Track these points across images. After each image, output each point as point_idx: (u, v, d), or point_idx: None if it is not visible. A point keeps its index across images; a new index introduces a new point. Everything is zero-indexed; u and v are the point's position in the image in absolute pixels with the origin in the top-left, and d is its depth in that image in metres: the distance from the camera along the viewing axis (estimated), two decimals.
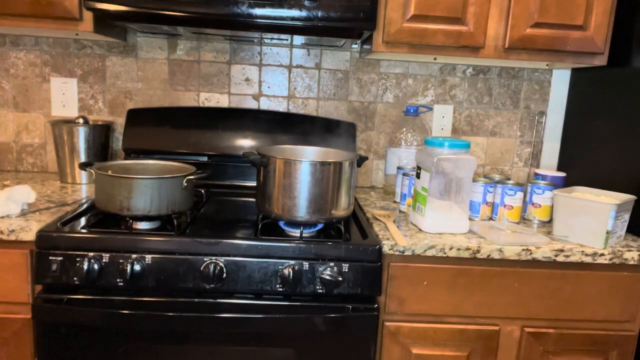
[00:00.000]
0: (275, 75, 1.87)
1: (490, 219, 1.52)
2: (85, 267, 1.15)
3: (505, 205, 1.49)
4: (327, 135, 1.77)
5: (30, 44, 1.78)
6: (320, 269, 1.19)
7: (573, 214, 1.32)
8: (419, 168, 1.37)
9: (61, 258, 1.16)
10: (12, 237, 1.19)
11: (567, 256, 1.27)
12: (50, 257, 1.16)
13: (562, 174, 1.61)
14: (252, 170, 1.73)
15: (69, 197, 1.50)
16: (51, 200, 1.46)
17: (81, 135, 1.66)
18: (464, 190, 1.34)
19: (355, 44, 1.79)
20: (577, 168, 1.78)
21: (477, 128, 1.93)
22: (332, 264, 1.20)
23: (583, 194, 1.39)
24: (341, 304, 1.22)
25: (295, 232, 1.29)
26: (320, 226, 1.34)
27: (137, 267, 1.16)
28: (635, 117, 1.49)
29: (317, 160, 1.26)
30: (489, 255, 1.26)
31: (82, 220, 1.30)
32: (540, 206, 1.50)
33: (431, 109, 1.87)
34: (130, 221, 1.24)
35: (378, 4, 1.42)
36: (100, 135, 1.71)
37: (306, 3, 1.35)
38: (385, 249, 1.24)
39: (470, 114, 1.92)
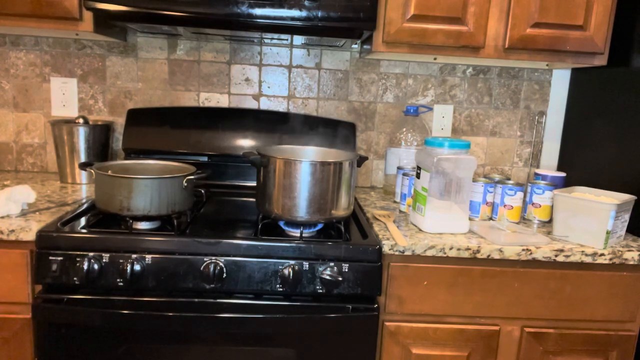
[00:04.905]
0: (275, 75, 1.86)
1: (490, 219, 1.52)
2: (85, 267, 1.15)
3: (505, 205, 1.49)
4: (327, 135, 1.77)
5: (30, 44, 1.78)
6: (320, 269, 1.19)
7: (573, 214, 1.32)
8: (419, 168, 1.37)
9: (61, 258, 1.16)
10: (12, 237, 1.19)
11: (567, 256, 1.27)
12: (50, 257, 1.16)
13: (562, 174, 1.61)
14: (252, 170, 1.73)
15: (69, 197, 1.50)
16: (51, 200, 1.46)
17: (81, 135, 1.66)
18: (464, 190, 1.34)
19: (355, 44, 1.79)
20: (577, 168, 1.78)
21: (477, 128, 1.93)
22: (332, 264, 1.20)
23: (583, 194, 1.39)
24: (341, 304, 1.22)
25: (295, 232, 1.29)
26: (320, 226, 1.34)
27: (137, 267, 1.16)
28: (635, 117, 1.49)
29: (317, 160, 1.26)
30: (489, 255, 1.26)
31: (82, 220, 1.30)
32: (540, 206, 1.50)
33: (431, 109, 1.87)
34: (130, 221, 1.24)
35: (378, 4, 1.42)
36: (100, 135, 1.71)
37: (306, 3, 1.35)
38: (385, 249, 1.24)
39: (470, 114, 1.92)
